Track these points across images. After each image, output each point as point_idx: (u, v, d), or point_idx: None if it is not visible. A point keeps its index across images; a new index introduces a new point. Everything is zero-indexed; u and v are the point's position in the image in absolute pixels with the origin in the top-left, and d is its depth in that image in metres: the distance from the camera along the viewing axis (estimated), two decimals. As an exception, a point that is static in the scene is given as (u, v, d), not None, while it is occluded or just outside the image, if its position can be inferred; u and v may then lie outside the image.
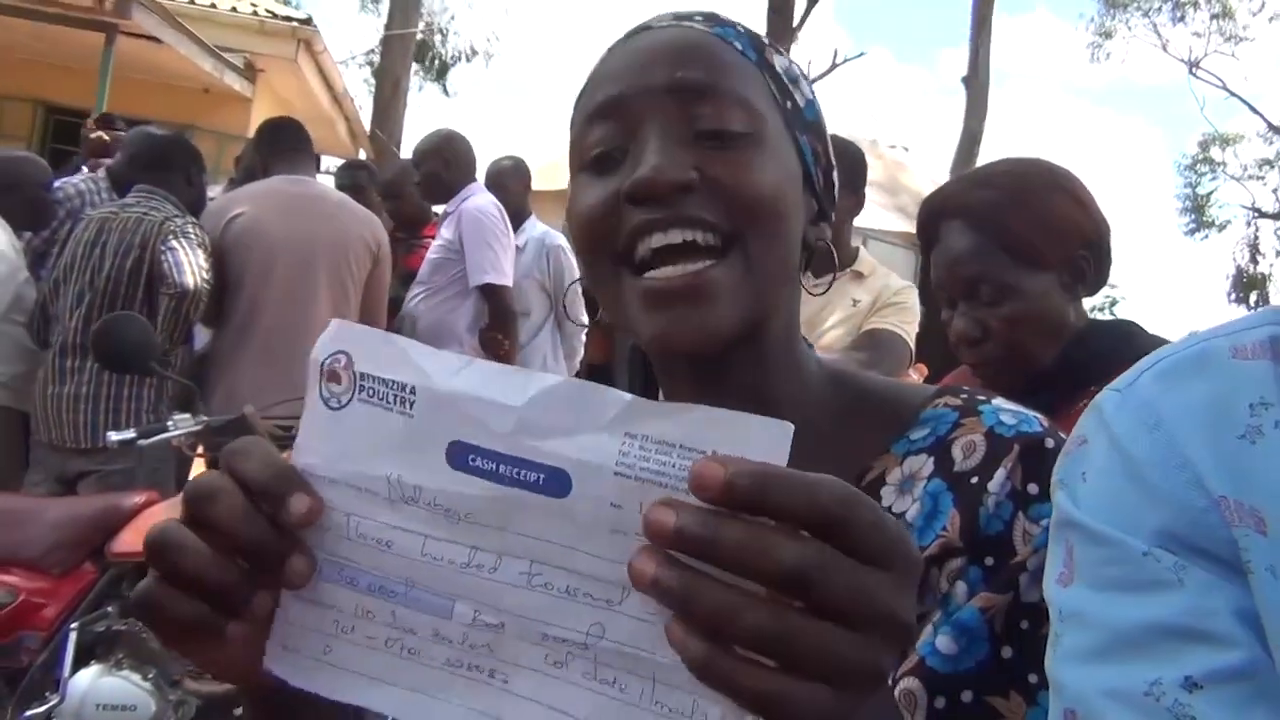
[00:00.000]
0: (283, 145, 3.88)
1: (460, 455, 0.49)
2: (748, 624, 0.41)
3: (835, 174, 0.85)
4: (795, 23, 21.49)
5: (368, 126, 14.01)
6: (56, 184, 4.42)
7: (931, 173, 11.79)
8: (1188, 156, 27.18)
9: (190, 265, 3.28)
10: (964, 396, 0.78)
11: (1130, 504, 0.57)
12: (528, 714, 0.48)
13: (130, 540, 2.67)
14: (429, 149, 4.21)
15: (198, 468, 3.03)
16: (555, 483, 0.46)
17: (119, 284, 3.29)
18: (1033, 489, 0.70)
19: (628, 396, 0.46)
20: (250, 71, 9.45)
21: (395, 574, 0.51)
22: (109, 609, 2.69)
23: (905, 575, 0.43)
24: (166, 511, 2.65)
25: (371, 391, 0.52)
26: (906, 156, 12.52)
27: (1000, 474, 0.71)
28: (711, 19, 0.79)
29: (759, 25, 21.28)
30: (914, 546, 0.45)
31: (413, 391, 0.50)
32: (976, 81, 18.00)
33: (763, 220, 0.73)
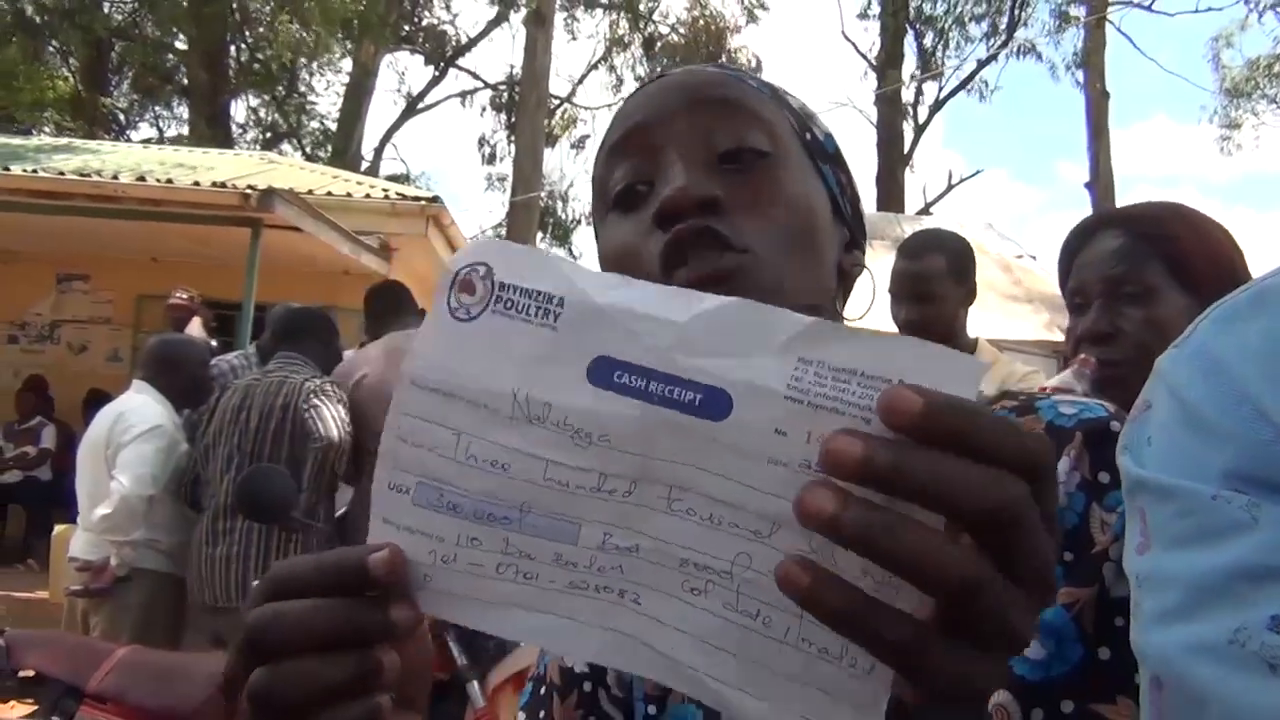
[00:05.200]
0: (388, 306, 4.15)
1: (604, 371, 0.45)
2: (952, 571, 0.36)
3: (861, 204, 0.83)
4: (905, 150, 21.77)
5: (498, 293, 14.62)
6: (212, 362, 4.74)
7: (1062, 279, 11.48)
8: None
9: (333, 419, 3.46)
10: (1021, 398, 0.73)
11: (1193, 451, 0.53)
12: (669, 640, 0.44)
13: (280, 689, 2.73)
14: None
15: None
16: (713, 404, 0.42)
17: (264, 444, 3.47)
18: (1104, 478, 0.65)
19: (808, 319, 0.42)
20: (385, 251, 10.01)
21: (509, 499, 0.46)
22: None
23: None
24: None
25: (510, 303, 0.47)
26: (1035, 265, 12.29)
27: (1065, 464, 0.66)
28: (723, 66, 0.80)
29: (870, 157, 21.68)
30: None
31: (560, 304, 0.46)
32: (1100, 185, 17.73)
33: (793, 235, 0.71)
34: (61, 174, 8.26)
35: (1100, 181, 17.80)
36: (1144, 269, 1.42)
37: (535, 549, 0.46)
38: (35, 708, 2.79)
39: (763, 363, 0.42)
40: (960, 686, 0.39)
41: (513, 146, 20.68)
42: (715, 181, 0.70)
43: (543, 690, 0.86)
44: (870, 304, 0.89)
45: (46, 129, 18.83)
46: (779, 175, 0.73)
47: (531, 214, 17.19)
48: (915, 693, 0.41)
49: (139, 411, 3.92)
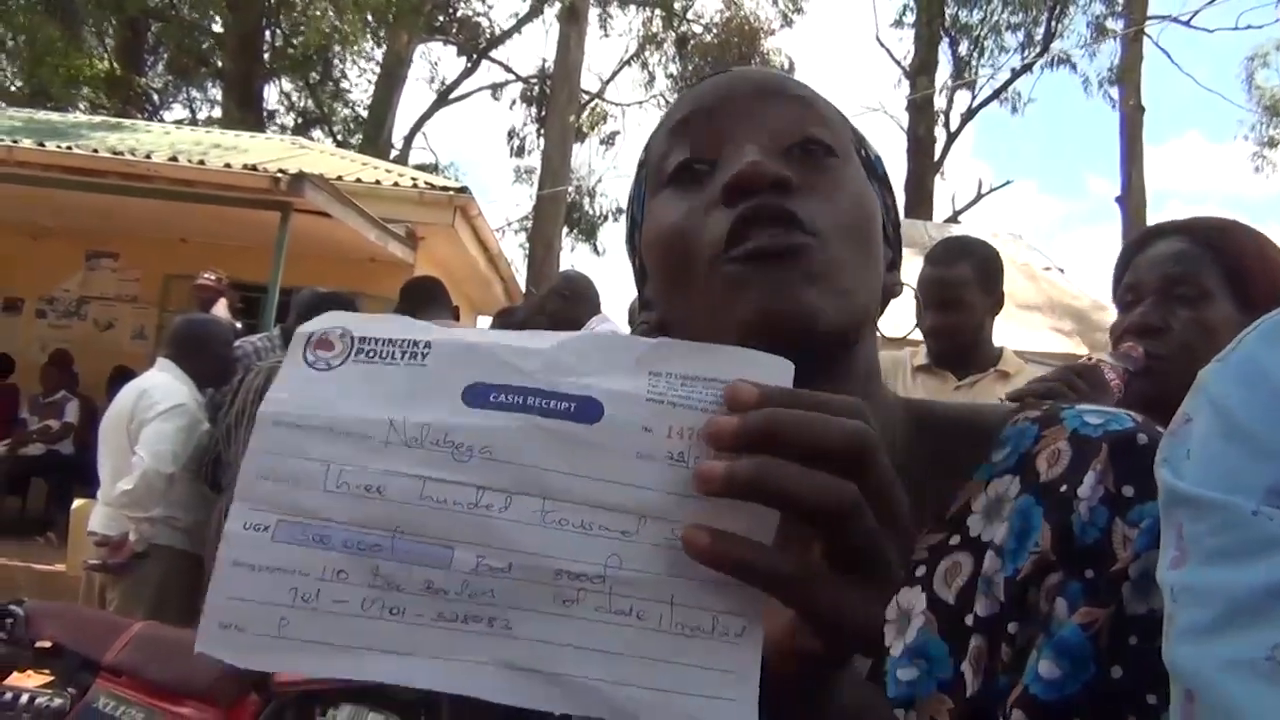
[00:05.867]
0: (423, 299, 4.21)
1: (480, 394, 0.48)
2: (832, 495, 0.44)
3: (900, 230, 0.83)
4: (936, 158, 21.65)
5: (523, 286, 14.68)
6: (236, 343, 4.77)
7: (1090, 293, 11.42)
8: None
9: (353, 403, 3.48)
10: (1045, 407, 0.72)
11: (1235, 464, 0.52)
12: (535, 654, 0.45)
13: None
14: (550, 289, 4.46)
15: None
16: (586, 411, 0.48)
17: (286, 427, 3.49)
18: (1128, 491, 0.63)
19: (653, 340, 0.50)
20: (411, 240, 10.04)
21: (382, 525, 0.46)
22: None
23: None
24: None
25: (373, 352, 0.49)
26: (1061, 278, 12.21)
27: (1090, 478, 0.64)
28: (783, 73, 0.80)
29: (900, 163, 21.57)
30: None
31: (427, 345, 0.49)
32: (1132, 199, 17.57)
33: (856, 231, 0.70)
34: (94, 151, 8.34)
35: (1132, 196, 17.61)
36: (1201, 273, 1.42)
37: (405, 578, 0.45)
38: (51, 678, 2.82)
39: (622, 377, 0.49)
40: (849, 615, 0.46)
41: (542, 140, 20.71)
42: (786, 166, 0.69)
43: None
44: (914, 326, 0.89)
45: (81, 106, 18.99)
46: (846, 173, 0.72)
47: (558, 208, 17.23)
48: (814, 637, 0.47)
49: (162, 389, 3.96)
